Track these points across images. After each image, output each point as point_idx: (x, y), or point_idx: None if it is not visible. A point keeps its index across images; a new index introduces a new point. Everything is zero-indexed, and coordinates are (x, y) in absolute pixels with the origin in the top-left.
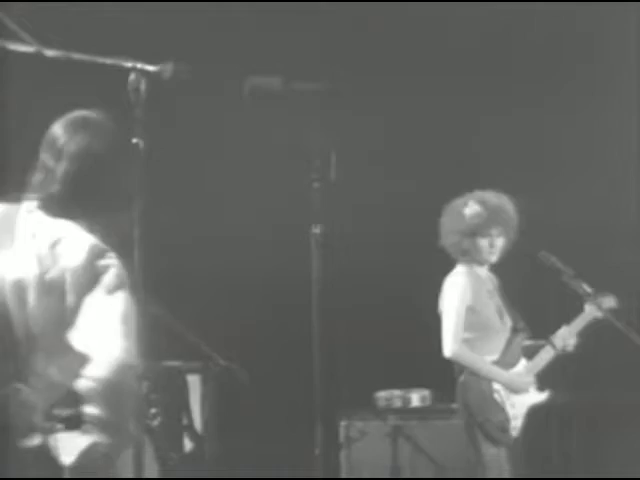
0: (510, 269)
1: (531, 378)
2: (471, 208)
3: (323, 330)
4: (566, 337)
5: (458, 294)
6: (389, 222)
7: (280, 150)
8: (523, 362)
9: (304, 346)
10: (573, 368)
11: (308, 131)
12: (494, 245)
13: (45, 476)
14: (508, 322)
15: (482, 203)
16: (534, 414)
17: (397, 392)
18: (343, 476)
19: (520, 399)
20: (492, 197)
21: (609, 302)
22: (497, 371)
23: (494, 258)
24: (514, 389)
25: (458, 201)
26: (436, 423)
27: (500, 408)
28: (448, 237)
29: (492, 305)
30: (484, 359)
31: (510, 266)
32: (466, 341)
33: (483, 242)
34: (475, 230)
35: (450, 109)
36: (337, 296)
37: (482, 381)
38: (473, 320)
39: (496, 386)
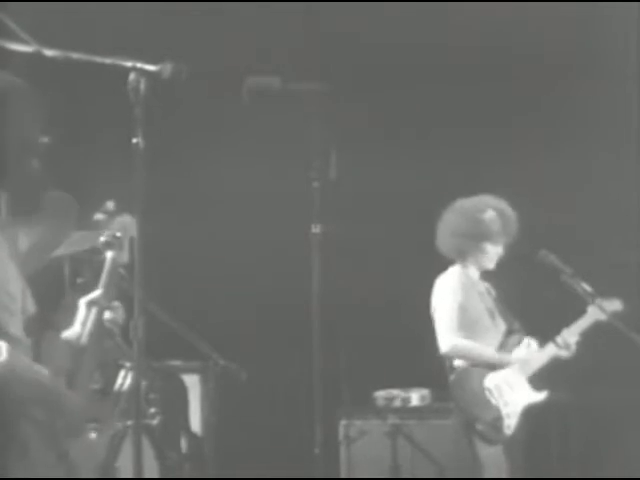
0: (509, 269)
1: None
2: (489, 215)
3: (323, 329)
4: (567, 339)
5: (450, 292)
6: (389, 221)
7: (280, 150)
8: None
9: (304, 345)
10: (574, 368)
11: (308, 131)
12: (498, 253)
13: None
14: (501, 324)
15: (498, 211)
16: (533, 413)
17: (396, 391)
18: (343, 475)
19: (515, 398)
20: (504, 206)
21: (614, 305)
22: (499, 355)
23: (492, 265)
24: (521, 364)
25: (468, 204)
26: (435, 422)
27: (492, 406)
28: (451, 238)
29: (482, 306)
30: (482, 346)
31: (509, 266)
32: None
33: (491, 248)
34: (488, 236)
35: (451, 109)
36: (337, 295)
37: (473, 379)
38: (464, 318)
39: (488, 384)
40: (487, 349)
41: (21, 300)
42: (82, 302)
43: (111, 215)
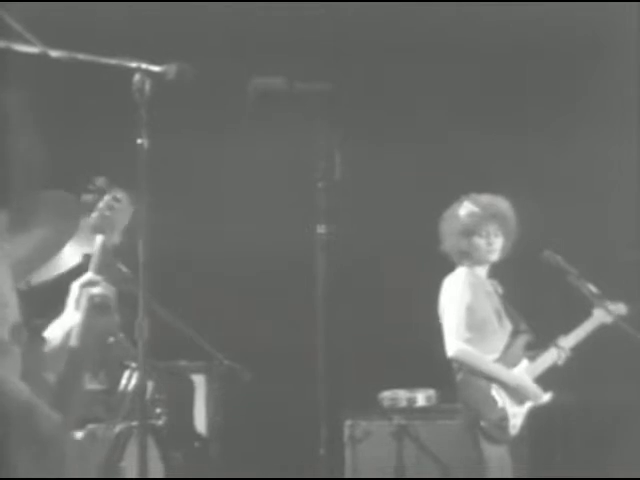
0: (514, 269)
1: (538, 390)
2: (465, 208)
3: (327, 329)
4: (566, 343)
5: (457, 293)
6: (393, 221)
7: (285, 150)
8: (525, 363)
9: (308, 345)
10: (578, 368)
11: (313, 131)
12: (491, 243)
13: None
14: (508, 326)
15: (476, 202)
16: (538, 414)
17: (402, 392)
18: (348, 476)
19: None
20: (486, 197)
21: (618, 309)
22: (502, 371)
23: (494, 257)
24: (516, 393)
25: (454, 204)
26: (441, 423)
27: (499, 406)
28: (447, 240)
29: (490, 306)
30: (487, 358)
31: (514, 266)
32: (465, 341)
33: (480, 241)
34: (471, 229)
35: (454, 109)
36: (341, 296)
37: (480, 379)
38: (471, 319)
39: (494, 384)
40: (490, 364)
41: (10, 307)
42: (75, 284)
43: (100, 193)
